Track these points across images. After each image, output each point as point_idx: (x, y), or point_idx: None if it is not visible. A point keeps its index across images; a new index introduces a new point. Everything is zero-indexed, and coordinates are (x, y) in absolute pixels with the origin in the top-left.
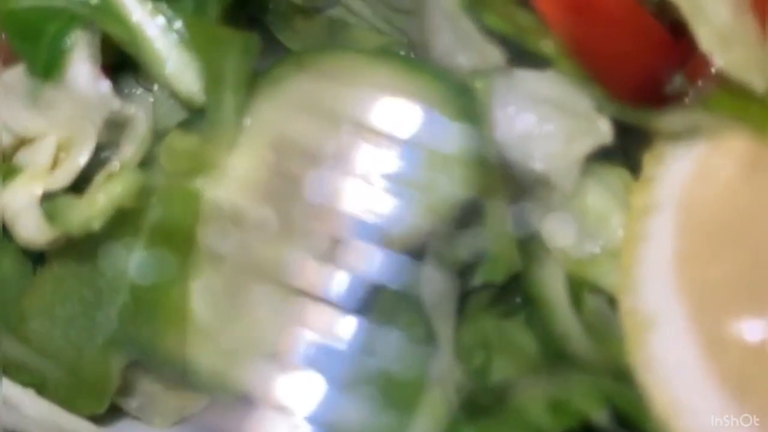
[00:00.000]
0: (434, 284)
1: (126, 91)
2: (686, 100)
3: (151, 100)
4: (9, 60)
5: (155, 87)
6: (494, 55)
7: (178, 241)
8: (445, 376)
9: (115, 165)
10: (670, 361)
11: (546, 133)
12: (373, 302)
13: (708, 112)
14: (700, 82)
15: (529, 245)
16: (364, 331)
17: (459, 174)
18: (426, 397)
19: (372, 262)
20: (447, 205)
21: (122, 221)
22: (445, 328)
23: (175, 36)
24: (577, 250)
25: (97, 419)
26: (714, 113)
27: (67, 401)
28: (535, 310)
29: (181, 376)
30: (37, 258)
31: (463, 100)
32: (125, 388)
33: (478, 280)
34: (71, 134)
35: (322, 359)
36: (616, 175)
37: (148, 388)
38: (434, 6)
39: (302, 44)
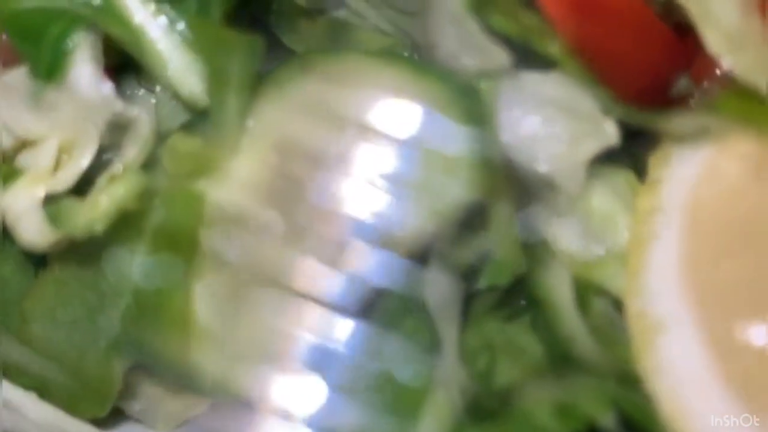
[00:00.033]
0: (439, 287)
1: (128, 92)
2: (692, 101)
3: (154, 101)
4: (11, 61)
5: (157, 89)
6: (499, 56)
7: (181, 243)
8: (449, 379)
9: (117, 167)
10: (678, 364)
11: (551, 135)
12: (377, 306)
13: (714, 114)
14: (705, 84)
15: (535, 248)
16: (368, 335)
17: (464, 176)
18: (430, 401)
19: (376, 265)
20: (451, 207)
21: (125, 224)
22: (449, 331)
23: (177, 37)
24: (582, 252)
25: (99, 422)
26: (720, 115)
27: (69, 405)
28: (540, 313)
29: (184, 380)
30: (38, 261)
31: (468, 101)
32: (128, 392)
33: (483, 283)
34: (73, 136)
35: (325, 363)
36: (622, 178)
37: (150, 391)
38: (439, 7)
39: (306, 46)
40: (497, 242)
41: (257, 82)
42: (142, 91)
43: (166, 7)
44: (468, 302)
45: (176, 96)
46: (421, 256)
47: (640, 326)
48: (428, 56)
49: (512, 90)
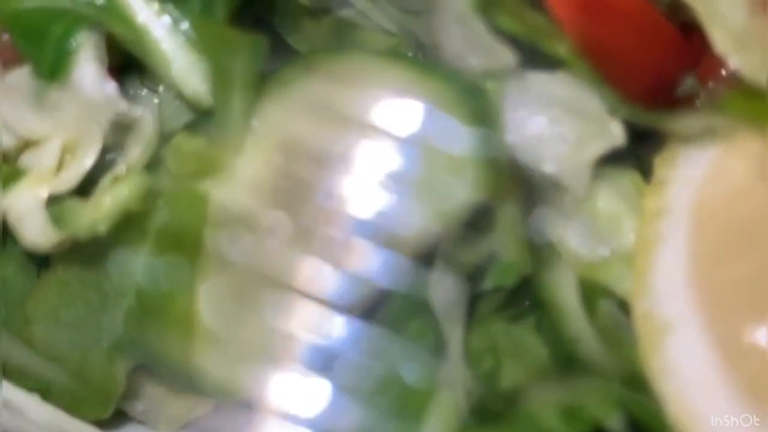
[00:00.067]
0: (444, 288)
1: (131, 92)
2: (698, 101)
3: (156, 101)
4: (14, 61)
5: (160, 88)
6: (506, 56)
7: (185, 244)
8: (454, 381)
9: (121, 168)
10: (685, 365)
11: (557, 136)
12: (382, 307)
13: (720, 114)
14: (711, 84)
15: (540, 249)
16: (372, 336)
17: (469, 177)
18: (435, 403)
19: (381, 266)
20: (457, 208)
21: (128, 224)
22: (454, 332)
23: (181, 37)
24: (588, 253)
25: (102, 424)
26: (726, 115)
27: (72, 406)
28: (545, 314)
29: (187, 381)
30: (40, 261)
31: (474, 102)
32: (130, 393)
33: (488, 284)
34: (77, 136)
35: (329, 364)
36: (628, 178)
37: (153, 392)
38: (444, 7)
39: (310, 46)
40: (503, 243)
41: (261, 82)
42: (144, 91)
43: (170, 6)
44: (473, 303)
45: (180, 96)
46: (426, 256)
47: (647, 327)
48: (433, 56)
49: (518, 90)
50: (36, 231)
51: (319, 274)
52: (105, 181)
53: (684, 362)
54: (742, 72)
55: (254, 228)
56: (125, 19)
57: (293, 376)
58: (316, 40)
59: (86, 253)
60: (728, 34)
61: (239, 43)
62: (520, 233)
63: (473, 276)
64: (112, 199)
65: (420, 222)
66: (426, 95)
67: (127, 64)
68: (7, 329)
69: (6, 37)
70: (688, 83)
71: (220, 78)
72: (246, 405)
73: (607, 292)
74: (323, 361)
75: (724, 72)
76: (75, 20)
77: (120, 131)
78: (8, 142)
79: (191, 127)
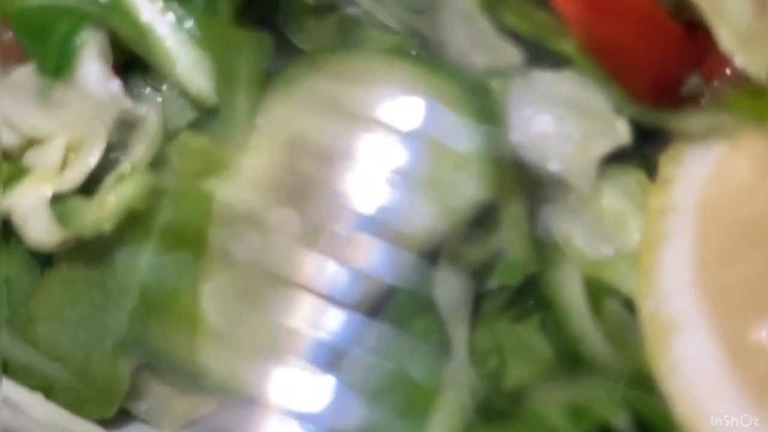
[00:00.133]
0: (449, 287)
1: (135, 91)
2: (703, 100)
3: (161, 100)
4: (18, 59)
5: (164, 87)
6: (511, 54)
7: (190, 242)
8: (459, 380)
9: (125, 166)
10: (692, 364)
11: (563, 134)
12: (388, 304)
13: (726, 113)
14: (716, 83)
15: (545, 247)
16: (378, 334)
17: (475, 175)
18: (441, 401)
19: (387, 263)
20: (463, 205)
21: (133, 223)
22: (459, 331)
23: (185, 35)
24: (593, 252)
25: (105, 423)
26: (732, 114)
27: (75, 405)
28: (551, 313)
29: (192, 379)
30: (44, 260)
31: (479, 99)
32: (134, 392)
33: (494, 282)
34: (81, 134)
35: (334, 362)
36: (633, 177)
37: (157, 391)
38: (450, 5)
39: (314, 44)
40: (508, 242)
41: (266, 81)
42: (148, 90)
43: (174, 4)
44: (478, 302)
45: (184, 94)
46: (431, 255)
47: (653, 326)
48: (438, 54)
49: (523, 88)
50: (40, 229)
51: (324, 271)
52: (109, 179)
53: (690, 361)
54: (748, 71)
55: (260, 225)
56: (129, 17)
57: (298, 374)
58: (320, 38)
59: (90, 251)
60: (734, 33)
61: (243, 42)
62: (526, 232)
63: (478, 274)
64: (116, 197)
65: (426, 219)
66: (431, 93)
67: (131, 62)
68: (10, 328)
69: (10, 34)
70: (693, 82)
71: (224, 76)
72: (251, 403)
73: (613, 291)
74: (328, 359)
75: (729, 71)
76: (79, 18)
77: (124, 129)
78: (12, 140)
79: (195, 126)
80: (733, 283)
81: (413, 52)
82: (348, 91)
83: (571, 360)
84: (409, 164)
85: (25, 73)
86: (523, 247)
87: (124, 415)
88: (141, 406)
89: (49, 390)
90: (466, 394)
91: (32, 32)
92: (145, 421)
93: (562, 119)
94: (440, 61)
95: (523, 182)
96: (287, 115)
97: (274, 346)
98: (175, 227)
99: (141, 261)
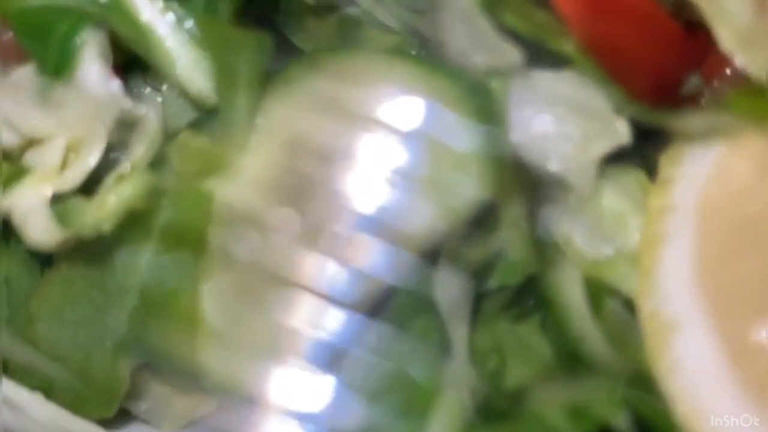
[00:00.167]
0: (449, 287)
1: (135, 91)
2: (703, 100)
3: (160, 100)
4: (18, 59)
5: (164, 87)
6: (512, 54)
7: (190, 242)
8: (459, 380)
9: (125, 166)
10: (692, 364)
11: (563, 134)
12: (388, 304)
13: (725, 113)
14: (716, 83)
15: (545, 247)
16: (378, 334)
17: (475, 175)
18: (441, 401)
19: (387, 263)
20: (463, 205)
21: (133, 223)
22: (459, 331)
23: (185, 35)
24: (593, 252)
25: (105, 423)
26: (732, 114)
27: (75, 405)
28: (551, 313)
29: (192, 379)
30: (44, 260)
31: (479, 99)
32: (134, 392)
33: (493, 282)
34: (81, 134)
35: (334, 362)
36: (633, 177)
37: (157, 391)
38: (450, 5)
39: (314, 44)
40: (508, 242)
41: (266, 81)
42: (148, 90)
43: (174, 4)
44: (478, 302)
45: (184, 94)
46: (431, 254)
47: (654, 326)
48: (438, 54)
49: (523, 88)
50: (40, 229)
51: (324, 271)
52: (109, 179)
53: (690, 361)
54: (748, 71)
55: (260, 225)
56: (129, 17)
57: (298, 374)
58: (320, 38)
59: (90, 251)
60: (734, 33)
61: (243, 42)
62: (526, 232)
63: (478, 274)
64: (116, 197)
65: (426, 219)
66: (431, 93)
67: (131, 62)
68: (10, 327)
69: (10, 34)
70: (693, 82)
71: (224, 76)
72: (251, 403)
73: (613, 291)
74: (328, 359)
75: (729, 71)
76: (79, 18)
77: (124, 129)
78: (12, 140)
79: (195, 126)
80: (733, 283)
81: (413, 52)
82: (348, 91)
83: (571, 360)
84: (409, 164)
85: (25, 73)
86: (523, 247)
87: (124, 415)
88: (141, 406)
89: (49, 390)
90: (466, 394)
91: (32, 32)
92: (145, 421)
93: (562, 119)
94: (440, 61)
95: (523, 182)
96: (287, 115)
97: (274, 346)
98: (175, 227)
99: (141, 261)
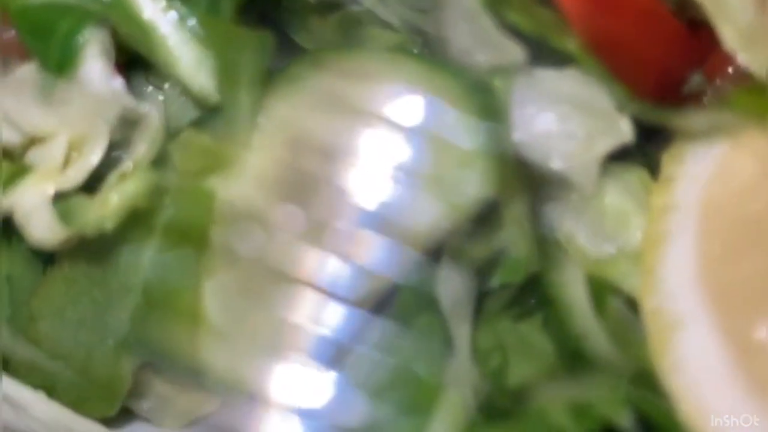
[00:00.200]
0: (452, 285)
1: (137, 89)
2: (705, 98)
3: (163, 98)
4: (21, 57)
5: (167, 85)
6: (515, 52)
7: (192, 240)
8: (462, 377)
9: (127, 164)
10: (695, 362)
11: (566, 132)
12: (391, 302)
13: (728, 111)
14: (719, 81)
15: (548, 246)
16: (381, 331)
17: (478, 172)
18: (443, 399)
19: (390, 260)
20: (466, 203)
21: (135, 221)
22: (462, 329)
23: (188, 33)
24: (596, 250)
25: (107, 421)
26: (734, 112)
27: (77, 404)
28: (553, 311)
29: (194, 377)
30: (46, 258)
31: (482, 97)
32: (136, 390)
33: (496, 281)
34: (83, 132)
35: (337, 359)
36: (636, 175)
37: (159, 389)
38: (452, 3)
39: (316, 43)
40: (511, 240)
41: (268, 79)
42: (151, 88)
43: (177, 3)
44: (480, 300)
45: (187, 92)
46: (434, 252)
47: (657, 324)
48: (441, 53)
49: (526, 87)
50: (42, 228)
51: (327, 268)
52: (111, 177)
53: (693, 359)
54: (750, 69)
55: (263, 223)
56: (132, 15)
57: (301, 371)
58: (323, 37)
59: (93, 249)
60: (736, 31)
61: (246, 40)
62: (528, 230)
63: (481, 272)
64: (118, 195)
65: (429, 217)
66: (433, 92)
67: (134, 60)
68: (12, 326)
69: (12, 32)
70: (695, 80)
71: (226, 74)
72: (254, 400)
73: (616, 289)
74: (331, 355)
75: (731, 69)
76: (82, 16)
77: (127, 127)
78: (14, 138)
79: (198, 124)
80: (736, 281)
81: (416, 51)
82: (351, 89)
83: (573, 358)
84: (412, 162)
85: (27, 71)
86: (526, 245)
87: (127, 414)
88: (143, 405)
89: (51, 388)
90: (469, 392)
91: (34, 30)
92: (147, 420)
93: (565, 117)
94: (443, 60)
95: (525, 180)
96: (290, 113)
97: (277, 343)
98: (177, 225)
99: (143, 259)
